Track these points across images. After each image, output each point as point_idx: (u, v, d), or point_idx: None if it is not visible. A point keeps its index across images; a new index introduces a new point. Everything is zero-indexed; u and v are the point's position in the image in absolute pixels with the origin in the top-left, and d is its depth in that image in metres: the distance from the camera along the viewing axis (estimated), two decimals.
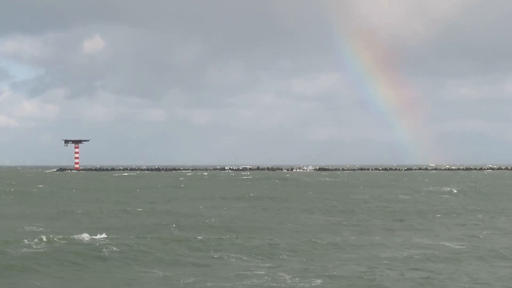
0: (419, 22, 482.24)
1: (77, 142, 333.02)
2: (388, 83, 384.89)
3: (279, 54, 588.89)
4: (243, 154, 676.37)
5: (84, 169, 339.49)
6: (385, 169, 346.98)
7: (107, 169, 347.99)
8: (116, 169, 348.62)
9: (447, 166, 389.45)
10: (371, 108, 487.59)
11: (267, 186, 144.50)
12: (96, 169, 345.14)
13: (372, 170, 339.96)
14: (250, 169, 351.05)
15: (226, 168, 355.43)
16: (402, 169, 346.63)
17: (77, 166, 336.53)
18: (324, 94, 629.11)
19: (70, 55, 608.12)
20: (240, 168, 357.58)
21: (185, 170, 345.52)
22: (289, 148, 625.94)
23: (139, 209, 77.89)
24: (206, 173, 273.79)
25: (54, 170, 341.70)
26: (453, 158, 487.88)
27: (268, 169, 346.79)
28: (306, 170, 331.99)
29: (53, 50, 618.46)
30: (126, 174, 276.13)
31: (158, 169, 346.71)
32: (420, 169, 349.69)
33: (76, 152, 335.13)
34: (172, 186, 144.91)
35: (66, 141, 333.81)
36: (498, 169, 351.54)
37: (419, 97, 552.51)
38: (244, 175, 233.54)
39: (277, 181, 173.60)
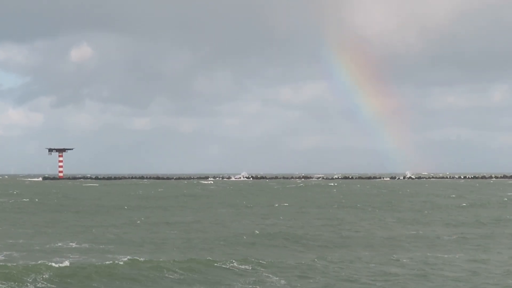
0: (410, 32, 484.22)
1: (61, 150, 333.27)
2: (375, 92, 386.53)
3: (268, 63, 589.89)
4: (229, 163, 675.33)
5: (68, 178, 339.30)
6: (368, 178, 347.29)
7: (90, 178, 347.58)
8: (100, 178, 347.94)
9: (441, 175, 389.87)
10: (357, 117, 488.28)
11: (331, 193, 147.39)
12: (84, 178, 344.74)
13: (355, 178, 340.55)
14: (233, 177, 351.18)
15: (216, 177, 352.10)
16: (383, 178, 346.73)
17: (61, 174, 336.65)
18: (310, 103, 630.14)
19: (57, 63, 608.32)
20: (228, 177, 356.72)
21: (169, 178, 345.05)
22: (275, 156, 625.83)
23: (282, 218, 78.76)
24: (212, 181, 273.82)
25: (40, 178, 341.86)
26: (438, 167, 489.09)
27: (253, 178, 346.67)
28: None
29: (40, 58, 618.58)
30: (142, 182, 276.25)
31: (142, 177, 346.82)
32: (402, 177, 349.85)
33: (60, 161, 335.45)
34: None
35: (50, 150, 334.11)
36: (502, 177, 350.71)
37: (406, 106, 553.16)
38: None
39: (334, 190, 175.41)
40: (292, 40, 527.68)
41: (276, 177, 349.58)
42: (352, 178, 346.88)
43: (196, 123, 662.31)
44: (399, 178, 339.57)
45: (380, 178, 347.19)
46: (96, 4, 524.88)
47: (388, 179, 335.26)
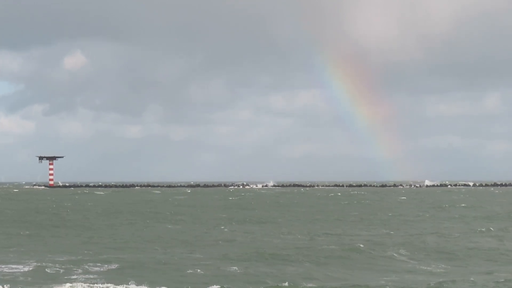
0: (405, 40, 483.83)
1: (51, 158, 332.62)
2: (369, 100, 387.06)
3: (263, 71, 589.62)
4: (222, 171, 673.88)
5: (59, 186, 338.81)
6: (360, 185, 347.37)
7: (80, 186, 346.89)
8: (90, 186, 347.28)
9: (437, 183, 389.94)
10: (350, 125, 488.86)
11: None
12: (76, 186, 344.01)
13: (346, 186, 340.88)
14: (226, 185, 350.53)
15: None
16: (377, 185, 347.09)
17: (51, 182, 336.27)
18: (303, 111, 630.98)
19: (51, 71, 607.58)
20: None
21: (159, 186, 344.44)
22: (268, 164, 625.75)
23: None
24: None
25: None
26: (429, 174, 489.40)
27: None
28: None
29: (34, 66, 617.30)
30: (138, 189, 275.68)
31: (133, 185, 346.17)
32: (394, 185, 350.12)
33: (50, 169, 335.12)
34: None
35: (41, 158, 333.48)
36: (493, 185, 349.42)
37: (399, 114, 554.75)
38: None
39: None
40: (288, 49, 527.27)
41: (312, 186, 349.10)
42: (343, 186, 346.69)
43: (189, 131, 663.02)
44: (399, 186, 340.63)
45: (370, 185, 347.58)
46: (90, 12, 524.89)
47: (378, 186, 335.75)
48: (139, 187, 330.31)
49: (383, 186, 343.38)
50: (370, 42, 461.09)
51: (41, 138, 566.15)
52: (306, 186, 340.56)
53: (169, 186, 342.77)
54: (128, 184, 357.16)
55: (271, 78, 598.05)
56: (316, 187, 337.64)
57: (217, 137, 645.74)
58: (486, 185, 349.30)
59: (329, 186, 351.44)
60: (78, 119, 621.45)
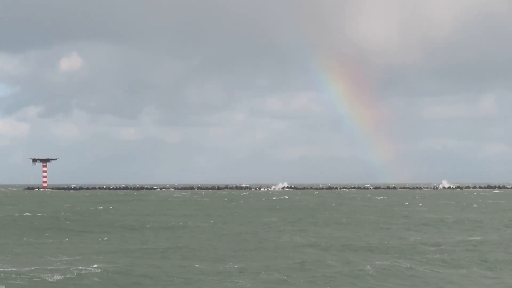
0: (406, 43, 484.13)
1: (45, 160, 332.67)
2: (365, 103, 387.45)
3: (260, 74, 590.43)
4: (217, 174, 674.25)
5: (52, 188, 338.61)
6: (354, 188, 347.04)
7: (75, 188, 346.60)
8: (85, 188, 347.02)
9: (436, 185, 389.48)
10: (345, 128, 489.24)
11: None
12: (70, 189, 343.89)
13: (341, 188, 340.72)
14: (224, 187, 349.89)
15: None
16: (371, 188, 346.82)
17: (45, 185, 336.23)
18: (300, 113, 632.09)
19: (47, 73, 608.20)
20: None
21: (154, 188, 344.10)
22: (263, 167, 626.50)
23: None
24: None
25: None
26: (427, 177, 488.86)
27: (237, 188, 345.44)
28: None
29: (31, 68, 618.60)
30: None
31: (126, 188, 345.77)
32: (388, 187, 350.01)
33: (44, 171, 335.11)
34: None
35: (34, 160, 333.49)
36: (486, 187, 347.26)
37: (395, 116, 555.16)
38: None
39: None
40: (285, 51, 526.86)
41: (306, 188, 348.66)
42: (337, 188, 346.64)
43: (185, 133, 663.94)
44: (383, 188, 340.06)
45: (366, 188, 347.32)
46: (87, 14, 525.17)
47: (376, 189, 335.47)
48: (133, 190, 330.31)
49: (376, 188, 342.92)
50: (368, 44, 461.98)
51: (36, 140, 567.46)
52: (302, 189, 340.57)
53: (163, 188, 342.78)
54: (122, 186, 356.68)
55: (268, 81, 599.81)
56: (311, 189, 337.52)
57: (213, 139, 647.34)
58: (480, 187, 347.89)
59: (323, 188, 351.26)
60: (74, 121, 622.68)
